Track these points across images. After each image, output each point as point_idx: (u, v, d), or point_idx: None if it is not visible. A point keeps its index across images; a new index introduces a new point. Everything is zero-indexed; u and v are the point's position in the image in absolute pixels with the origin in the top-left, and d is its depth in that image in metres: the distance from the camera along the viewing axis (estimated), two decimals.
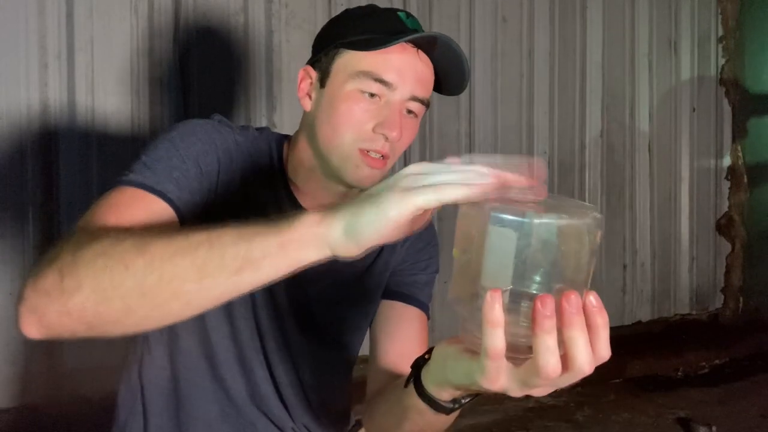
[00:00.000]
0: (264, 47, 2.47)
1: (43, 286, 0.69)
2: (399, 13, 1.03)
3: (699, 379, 3.21)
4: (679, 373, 3.24)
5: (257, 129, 1.11)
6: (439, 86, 1.08)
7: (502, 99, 3.11)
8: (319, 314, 1.11)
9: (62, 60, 2.13)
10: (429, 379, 0.77)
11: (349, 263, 1.10)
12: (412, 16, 1.04)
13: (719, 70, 3.92)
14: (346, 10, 1.09)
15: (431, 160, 2.68)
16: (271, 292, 1.06)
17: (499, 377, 0.59)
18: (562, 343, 0.56)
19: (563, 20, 3.30)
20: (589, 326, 0.57)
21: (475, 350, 0.62)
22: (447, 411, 0.78)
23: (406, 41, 0.97)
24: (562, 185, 3.32)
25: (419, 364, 0.80)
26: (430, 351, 0.78)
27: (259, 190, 1.05)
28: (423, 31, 1.01)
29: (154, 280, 0.66)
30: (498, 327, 0.56)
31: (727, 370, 3.33)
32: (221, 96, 2.41)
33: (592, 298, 0.57)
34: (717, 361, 3.39)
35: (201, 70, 2.36)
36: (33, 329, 0.70)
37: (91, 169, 2.17)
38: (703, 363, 3.35)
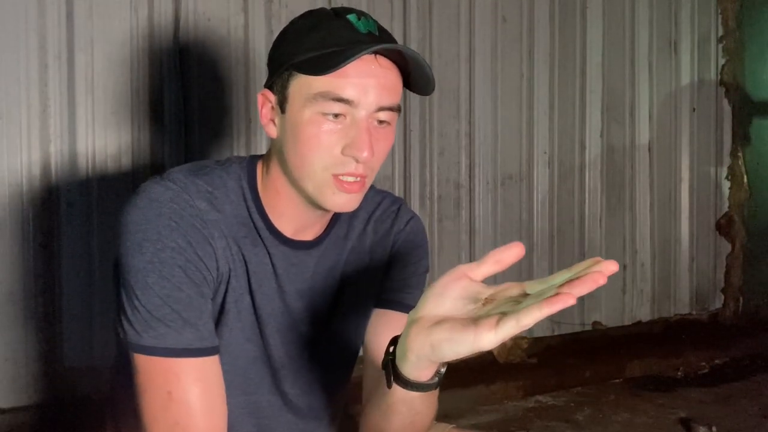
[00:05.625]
0: (264, 48, 2.47)
1: None
2: (349, 16, 0.94)
3: (699, 379, 3.20)
4: (679, 373, 3.24)
5: (218, 162, 1.03)
6: (409, 83, 0.99)
7: (502, 99, 3.11)
8: (310, 334, 1.09)
9: (62, 60, 2.13)
10: (407, 369, 0.77)
11: (336, 278, 1.10)
12: (366, 16, 0.95)
13: (719, 71, 3.92)
14: (292, 23, 1.01)
15: (431, 160, 2.68)
16: (260, 324, 1.04)
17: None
18: None
19: (563, 20, 3.30)
20: None
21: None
22: (434, 387, 0.80)
23: (355, 60, 0.88)
24: (562, 185, 3.33)
25: (390, 361, 0.80)
26: (392, 344, 0.80)
27: (240, 239, 1.00)
28: (377, 31, 0.94)
29: None
30: None
31: (727, 370, 3.32)
32: (221, 97, 2.41)
33: None
34: (717, 361, 3.38)
35: (201, 71, 2.36)
36: None
37: (92, 168, 2.17)
38: (703, 363, 3.35)
